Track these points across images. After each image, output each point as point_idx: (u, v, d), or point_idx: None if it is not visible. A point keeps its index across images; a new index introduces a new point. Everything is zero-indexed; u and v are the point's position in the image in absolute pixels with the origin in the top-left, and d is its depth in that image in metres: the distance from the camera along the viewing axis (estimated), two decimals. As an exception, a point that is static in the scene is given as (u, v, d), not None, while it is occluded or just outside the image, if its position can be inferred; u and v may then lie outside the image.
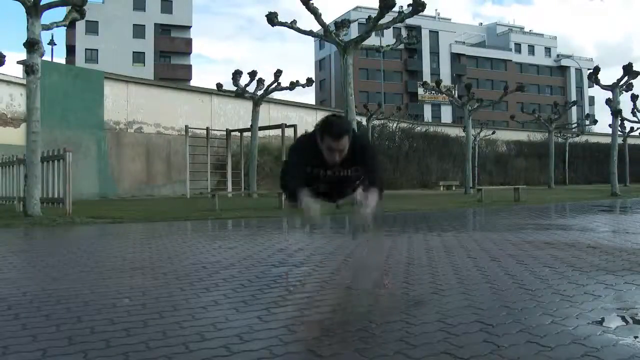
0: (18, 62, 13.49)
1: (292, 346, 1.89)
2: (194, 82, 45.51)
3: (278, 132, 16.94)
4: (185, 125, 16.55)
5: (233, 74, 16.41)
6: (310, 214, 2.63)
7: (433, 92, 39.41)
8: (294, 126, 16.02)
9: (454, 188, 22.61)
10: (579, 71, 61.98)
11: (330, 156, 2.75)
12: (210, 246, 4.71)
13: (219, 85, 17.91)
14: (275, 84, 16.82)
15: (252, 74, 16.78)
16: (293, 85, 17.08)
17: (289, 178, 2.88)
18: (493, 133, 28.79)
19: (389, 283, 2.94)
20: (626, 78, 15.42)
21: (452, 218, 8.15)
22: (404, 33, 18.99)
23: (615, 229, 6.28)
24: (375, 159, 3.01)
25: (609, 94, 15.91)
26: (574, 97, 56.28)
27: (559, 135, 28.82)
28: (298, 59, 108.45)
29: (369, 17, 11.98)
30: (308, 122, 21.66)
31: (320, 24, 11.04)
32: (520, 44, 66.67)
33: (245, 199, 14.16)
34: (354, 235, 4.22)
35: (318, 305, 2.49)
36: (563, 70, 68.60)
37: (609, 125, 17.40)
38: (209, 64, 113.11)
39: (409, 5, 11.61)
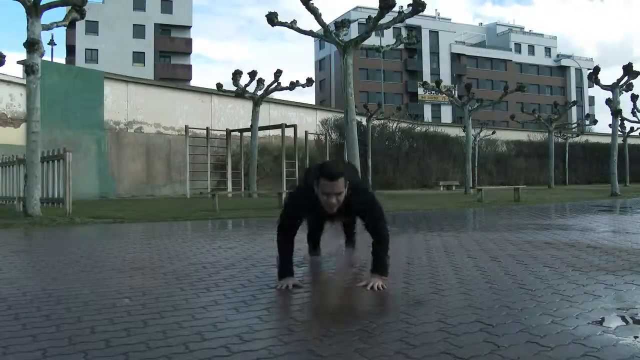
0: (18, 62, 13.50)
1: (292, 346, 1.89)
2: (194, 82, 45.59)
3: (278, 132, 16.95)
4: (185, 125, 16.55)
5: (233, 74, 16.41)
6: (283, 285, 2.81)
7: (433, 92, 39.45)
8: (294, 126, 16.06)
9: (454, 188, 22.61)
10: (579, 71, 62.00)
11: (328, 202, 2.69)
12: (210, 246, 4.70)
13: (219, 85, 17.90)
14: (275, 84, 16.82)
15: (252, 74, 16.78)
16: (293, 85, 17.08)
17: (280, 245, 2.97)
18: (493, 133, 28.79)
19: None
20: (626, 78, 15.42)
21: (452, 218, 8.15)
22: (404, 33, 18.93)
23: (615, 229, 6.28)
24: (378, 220, 2.91)
25: (609, 94, 15.91)
26: (574, 97, 56.27)
27: (559, 135, 28.81)
28: (298, 59, 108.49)
29: (369, 17, 11.96)
30: (308, 122, 21.70)
31: (320, 24, 11.04)
32: (520, 44, 66.67)
33: (245, 199, 14.16)
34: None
35: (318, 305, 2.49)
36: (563, 70, 68.60)
37: (609, 125, 17.40)
38: (209, 64, 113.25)
39: (409, 5, 11.59)
